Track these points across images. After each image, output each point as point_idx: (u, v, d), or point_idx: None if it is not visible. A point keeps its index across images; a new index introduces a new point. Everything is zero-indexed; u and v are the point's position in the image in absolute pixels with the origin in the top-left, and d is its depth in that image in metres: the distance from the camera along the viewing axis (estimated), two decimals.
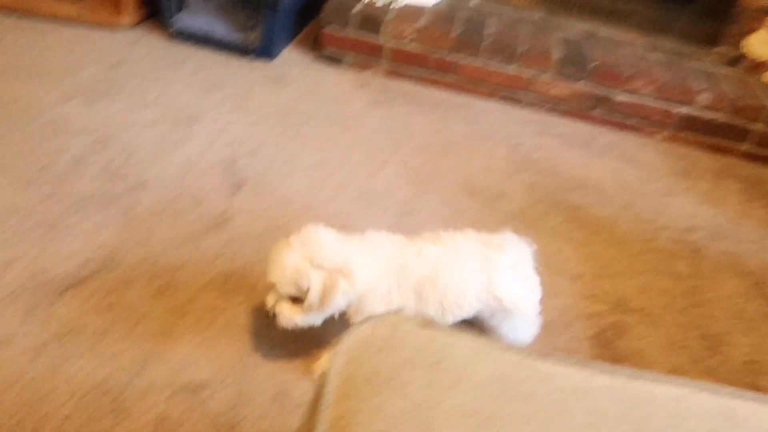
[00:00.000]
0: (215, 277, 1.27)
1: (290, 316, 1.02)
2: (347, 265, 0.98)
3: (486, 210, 1.62)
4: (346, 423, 0.55)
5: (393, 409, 0.55)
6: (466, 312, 1.08)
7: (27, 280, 1.18)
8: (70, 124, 1.62)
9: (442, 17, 2.17)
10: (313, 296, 0.97)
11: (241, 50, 2.12)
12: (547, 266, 1.25)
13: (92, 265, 1.24)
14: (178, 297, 1.21)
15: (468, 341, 0.62)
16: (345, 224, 1.44)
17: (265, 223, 1.44)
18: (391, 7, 2.16)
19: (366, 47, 2.16)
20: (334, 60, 2.21)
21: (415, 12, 2.15)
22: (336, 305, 1.00)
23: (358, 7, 2.12)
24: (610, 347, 1.27)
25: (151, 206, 1.41)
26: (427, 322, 0.64)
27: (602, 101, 2.08)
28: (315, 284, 0.97)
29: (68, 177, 1.45)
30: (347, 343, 0.62)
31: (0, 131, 1.53)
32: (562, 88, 2.09)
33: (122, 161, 1.53)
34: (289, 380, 1.09)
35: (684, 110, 2.03)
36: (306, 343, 1.14)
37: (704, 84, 2.04)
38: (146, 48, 2.06)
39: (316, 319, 1.03)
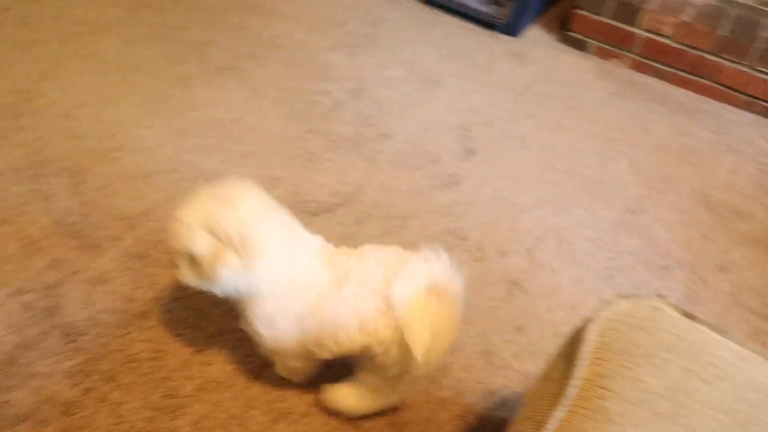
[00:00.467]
0: (441, 232, 1.36)
1: (185, 274, 0.87)
2: (245, 243, 0.80)
3: (721, 226, 1.52)
4: (600, 384, 0.59)
5: (647, 385, 0.58)
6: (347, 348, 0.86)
7: (289, 197, 1.38)
8: (333, 70, 1.82)
9: (710, 13, 2.01)
10: (201, 261, 0.82)
11: (489, 23, 2.17)
12: None
13: (339, 197, 1.40)
14: (408, 238, 1.32)
15: (733, 342, 0.62)
16: (566, 209, 1.45)
17: (490, 192, 1.50)
18: None
19: (616, 35, 2.08)
20: (578, 44, 2.17)
21: (678, 4, 2.01)
22: (224, 282, 0.83)
23: None
24: None
25: (393, 156, 1.55)
26: (690, 314, 0.64)
27: None
28: (199, 249, 0.81)
29: (328, 117, 1.64)
30: (606, 314, 0.65)
31: (281, 69, 1.77)
32: None
33: (372, 111, 1.69)
34: (495, 341, 1.15)
35: None
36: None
37: None
38: (403, 9, 2.20)
39: (209, 287, 0.86)
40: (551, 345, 1.13)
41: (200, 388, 0.99)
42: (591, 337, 0.63)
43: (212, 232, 0.80)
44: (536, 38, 2.20)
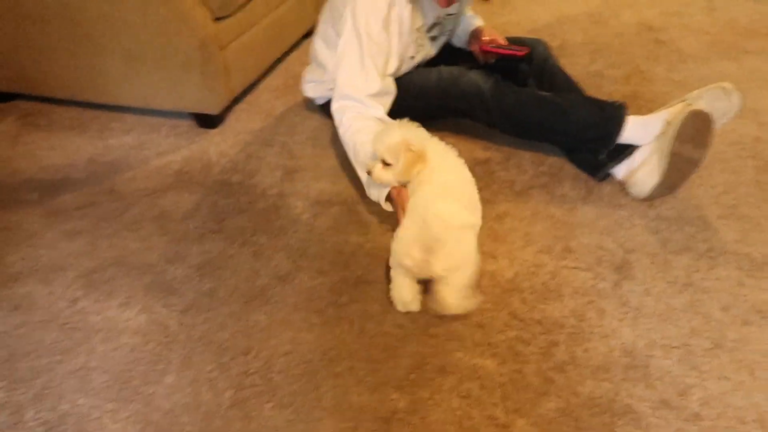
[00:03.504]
0: None
1: (378, 175, 1.27)
2: (425, 153, 1.23)
3: None
4: None
5: None
6: None
7: None
8: None
9: None
10: (399, 167, 1.23)
11: None
12: None
13: None
14: None
15: None
16: None
17: None
18: None
19: None
20: None
21: None
22: (409, 177, 1.23)
23: None
24: None
25: None
26: None
27: None
28: (403, 160, 1.22)
29: None
30: None
31: None
32: None
33: None
34: None
35: None
36: None
37: None
38: None
39: (392, 182, 1.28)
40: None
41: None
42: None
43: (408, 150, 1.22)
44: None
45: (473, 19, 1.77)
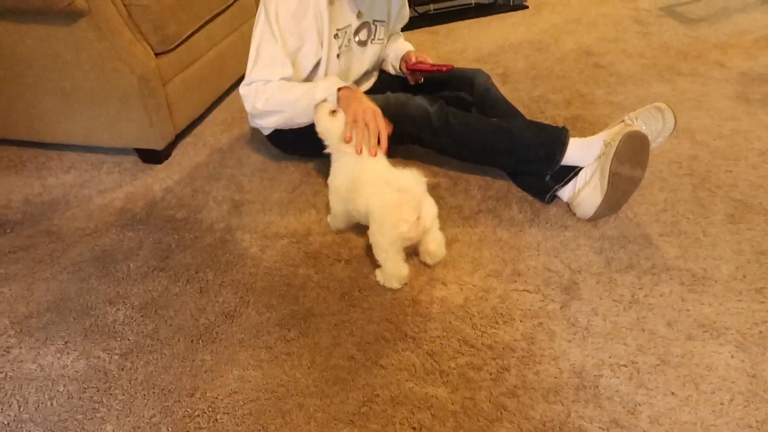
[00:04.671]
0: None
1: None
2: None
3: None
4: None
5: None
6: None
7: None
8: None
9: None
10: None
11: None
12: None
13: None
14: None
15: None
16: None
17: None
18: None
19: None
20: None
21: None
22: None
23: None
24: None
25: None
26: None
27: None
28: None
29: None
30: None
31: None
32: None
33: None
34: None
35: None
36: None
37: None
38: None
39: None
40: None
41: None
42: None
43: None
44: None
45: (404, 45, 1.82)
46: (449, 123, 1.53)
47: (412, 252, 1.37)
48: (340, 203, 1.39)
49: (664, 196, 1.55)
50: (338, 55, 1.59)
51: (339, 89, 1.45)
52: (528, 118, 1.67)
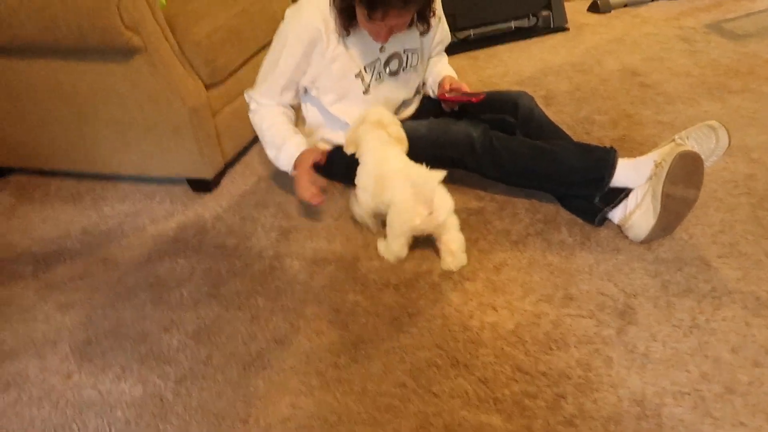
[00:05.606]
0: None
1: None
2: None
3: None
4: None
5: None
6: None
7: None
8: None
9: None
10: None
11: None
12: None
13: None
14: None
15: None
16: None
17: None
18: None
19: None
20: None
21: None
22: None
23: None
24: None
25: None
26: None
27: None
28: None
29: None
30: None
31: None
32: None
33: None
34: None
35: None
36: None
37: None
38: None
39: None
40: None
41: None
42: None
43: None
44: None
45: (444, 69, 1.81)
46: (493, 147, 1.53)
47: (458, 282, 1.36)
48: (367, 200, 1.47)
49: (720, 217, 1.50)
50: (366, 91, 1.60)
51: (294, 164, 1.60)
52: (574, 140, 1.65)
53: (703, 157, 1.37)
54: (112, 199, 1.87)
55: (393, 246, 1.43)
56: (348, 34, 1.51)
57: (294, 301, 1.38)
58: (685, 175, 1.35)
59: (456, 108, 1.72)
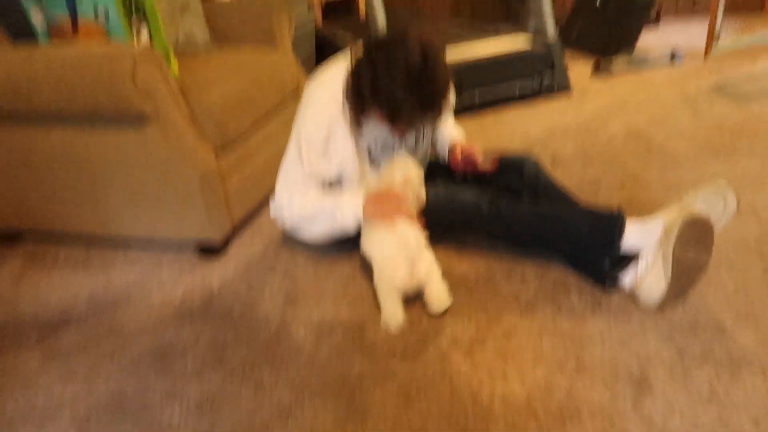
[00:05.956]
0: None
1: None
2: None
3: None
4: None
5: None
6: None
7: None
8: None
9: None
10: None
11: None
12: None
13: None
14: None
15: None
16: None
17: None
18: None
19: None
20: None
21: None
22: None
23: None
24: None
25: None
26: None
27: None
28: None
29: None
30: None
31: None
32: None
33: None
34: None
35: None
36: None
37: None
38: None
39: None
40: None
41: None
42: None
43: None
44: None
45: (452, 132, 1.84)
46: (501, 215, 1.53)
47: (467, 349, 1.33)
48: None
49: (733, 280, 1.48)
50: (375, 163, 1.63)
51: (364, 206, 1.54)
52: (582, 203, 1.65)
53: (711, 219, 1.36)
54: (120, 265, 1.87)
55: (384, 308, 1.44)
56: (360, 126, 1.54)
57: (299, 370, 1.35)
58: (695, 240, 1.34)
59: (469, 178, 1.74)
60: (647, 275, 1.40)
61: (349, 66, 1.49)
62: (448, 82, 1.44)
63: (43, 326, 1.61)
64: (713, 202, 1.41)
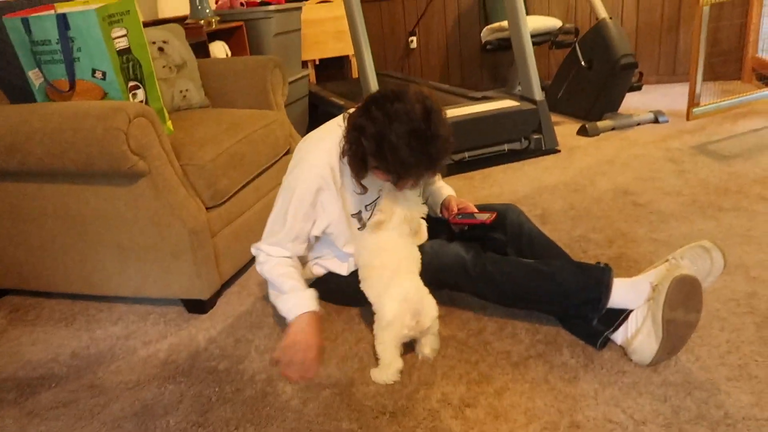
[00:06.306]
0: None
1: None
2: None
3: None
4: None
5: None
6: None
7: None
8: None
9: None
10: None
11: None
12: None
13: None
14: None
15: None
16: None
17: None
18: None
19: None
20: None
21: None
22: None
23: None
24: None
25: None
26: None
27: None
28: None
29: None
30: None
31: None
32: None
33: None
34: None
35: None
36: None
37: None
38: None
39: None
40: None
41: None
42: None
43: None
44: None
45: (443, 189, 1.83)
46: (486, 270, 1.51)
47: (458, 408, 1.30)
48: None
49: (726, 337, 1.46)
50: (363, 228, 1.62)
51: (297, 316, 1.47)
52: (569, 256, 1.65)
53: (699, 277, 1.37)
54: (105, 320, 1.84)
55: (384, 356, 1.42)
56: (362, 180, 1.50)
57: (285, 430, 1.31)
58: (683, 300, 1.33)
59: (466, 229, 1.73)
60: (638, 335, 1.38)
61: (345, 127, 1.46)
62: (451, 135, 1.41)
63: (22, 385, 1.56)
64: (699, 261, 1.42)
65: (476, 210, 1.72)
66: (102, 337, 1.75)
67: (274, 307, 1.77)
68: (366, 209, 1.61)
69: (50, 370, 1.61)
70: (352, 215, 1.59)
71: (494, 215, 1.66)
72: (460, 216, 1.70)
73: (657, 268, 1.44)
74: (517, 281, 1.51)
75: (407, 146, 1.33)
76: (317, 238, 1.63)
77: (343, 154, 1.48)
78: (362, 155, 1.41)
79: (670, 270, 1.38)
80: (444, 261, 1.54)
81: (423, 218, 1.58)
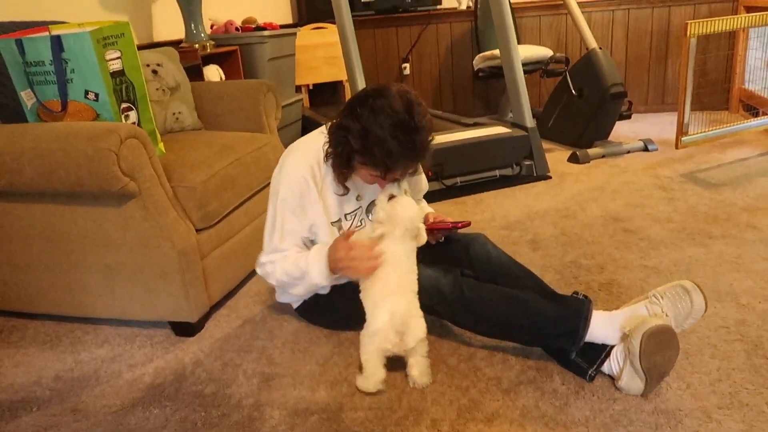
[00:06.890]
0: None
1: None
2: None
3: None
4: None
5: None
6: None
7: None
8: None
9: None
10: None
11: None
12: None
13: None
14: None
15: None
16: None
17: None
18: None
19: None
20: None
21: None
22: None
23: None
24: None
25: None
26: None
27: None
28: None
29: None
30: None
31: None
32: None
33: None
34: None
35: None
36: None
37: None
38: None
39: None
40: None
41: None
42: None
43: None
44: None
45: (424, 209, 1.83)
46: (463, 296, 1.50)
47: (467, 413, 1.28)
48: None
49: (716, 365, 1.46)
50: (359, 226, 1.64)
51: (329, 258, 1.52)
52: (545, 284, 1.63)
53: (678, 319, 1.37)
54: (90, 342, 1.81)
55: (367, 366, 1.43)
56: (345, 182, 1.54)
57: None
58: (659, 348, 1.32)
59: (442, 239, 1.72)
60: (622, 376, 1.38)
61: (329, 131, 1.50)
62: (432, 127, 1.46)
63: (2, 408, 1.52)
64: (680, 303, 1.39)
65: (450, 221, 1.71)
66: (87, 359, 1.72)
67: (262, 331, 1.76)
68: (346, 218, 1.62)
69: (32, 393, 1.58)
70: (332, 223, 1.60)
71: (468, 222, 1.66)
72: (435, 227, 1.70)
73: (633, 307, 1.43)
74: (494, 308, 1.49)
75: (393, 138, 1.37)
76: (312, 242, 1.64)
77: (327, 157, 1.52)
78: (348, 154, 1.45)
79: (644, 321, 1.36)
80: (421, 283, 1.51)
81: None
